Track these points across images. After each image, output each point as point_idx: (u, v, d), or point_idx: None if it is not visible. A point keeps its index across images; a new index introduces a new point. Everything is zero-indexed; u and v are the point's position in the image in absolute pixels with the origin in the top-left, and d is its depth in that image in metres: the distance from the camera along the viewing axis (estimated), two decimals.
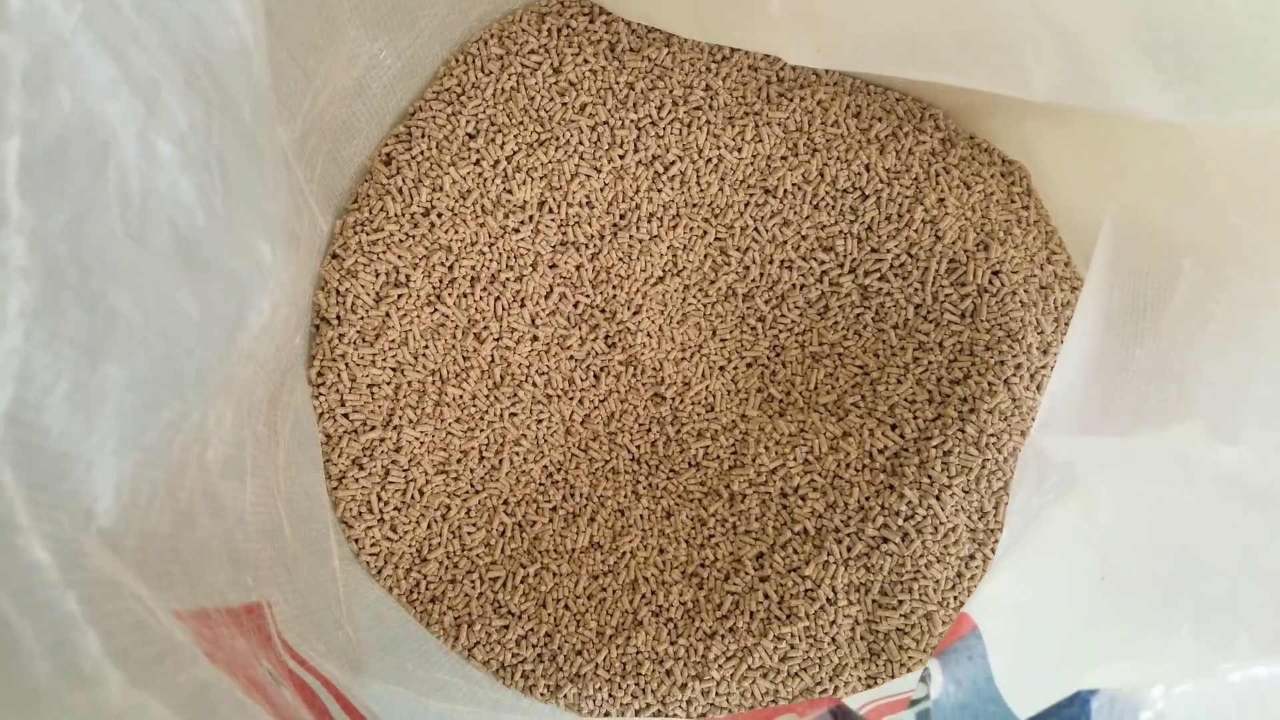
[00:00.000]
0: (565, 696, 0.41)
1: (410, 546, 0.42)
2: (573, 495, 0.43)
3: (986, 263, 0.41)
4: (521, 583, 0.42)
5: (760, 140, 0.43)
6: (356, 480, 0.41)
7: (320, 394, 0.41)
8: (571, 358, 0.43)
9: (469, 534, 0.42)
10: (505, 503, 0.43)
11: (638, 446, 0.43)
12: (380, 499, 0.42)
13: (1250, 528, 0.25)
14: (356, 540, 0.41)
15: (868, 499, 0.40)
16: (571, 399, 0.43)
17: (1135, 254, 0.36)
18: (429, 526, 0.42)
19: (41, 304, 0.12)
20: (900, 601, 0.40)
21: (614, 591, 0.41)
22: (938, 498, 0.40)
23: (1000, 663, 0.23)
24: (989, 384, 0.40)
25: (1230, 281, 0.32)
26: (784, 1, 0.32)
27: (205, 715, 0.12)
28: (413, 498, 0.42)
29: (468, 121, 0.42)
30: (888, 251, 0.42)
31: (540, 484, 0.43)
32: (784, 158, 0.43)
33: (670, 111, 0.43)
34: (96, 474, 0.13)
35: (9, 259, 0.11)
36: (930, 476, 0.40)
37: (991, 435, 0.40)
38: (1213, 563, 0.25)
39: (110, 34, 0.14)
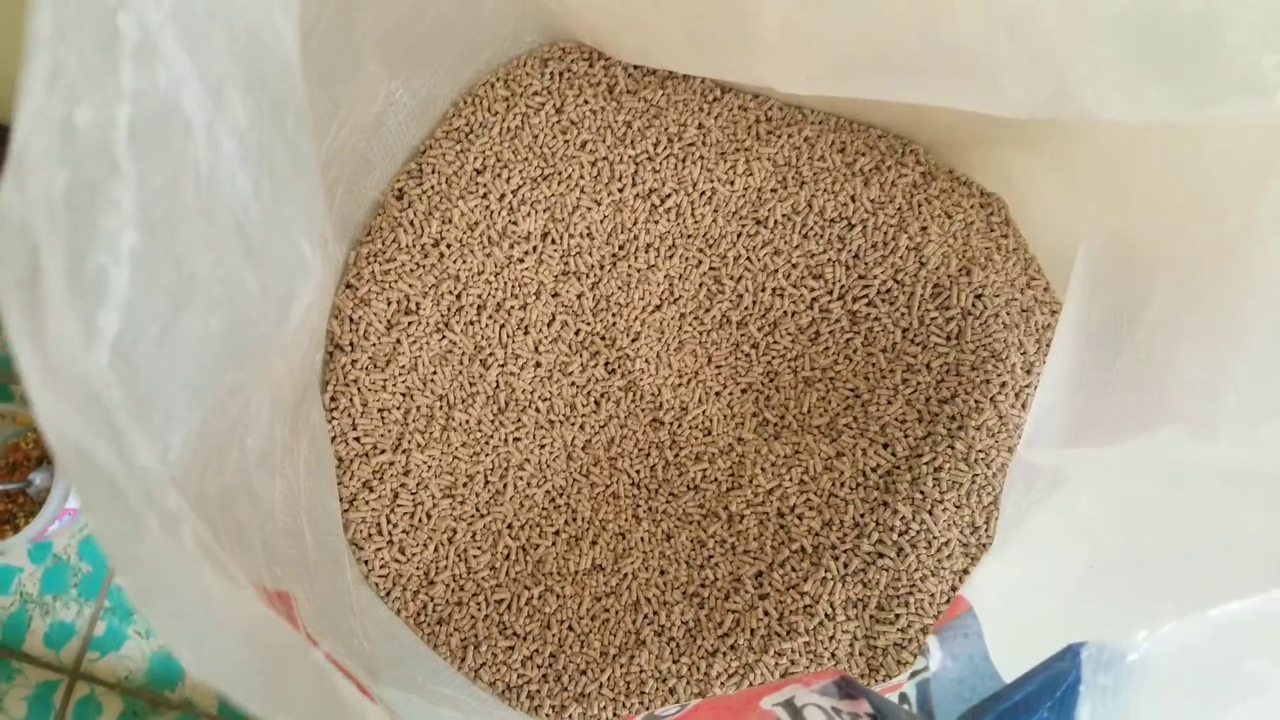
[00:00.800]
0: (570, 717, 0.41)
1: (418, 569, 0.43)
2: (575, 519, 0.44)
3: (969, 287, 0.43)
4: (526, 604, 0.43)
5: (751, 174, 0.45)
6: (367, 502, 0.42)
7: (333, 417, 0.42)
8: (573, 383, 0.45)
9: (475, 557, 0.43)
10: (510, 526, 0.43)
11: (637, 471, 0.44)
12: (389, 521, 0.43)
13: (1231, 520, 0.27)
14: (366, 562, 0.42)
15: (863, 516, 0.42)
16: (573, 424, 0.44)
17: (1111, 272, 0.38)
18: (436, 549, 0.43)
19: (144, 251, 0.13)
20: (897, 616, 0.41)
21: (617, 612, 0.42)
22: (930, 513, 0.41)
23: (995, 641, 0.24)
24: (975, 402, 0.42)
25: (1203, 291, 0.34)
26: (778, 27, 0.35)
27: (278, 627, 0.13)
28: (420, 520, 0.43)
29: (475, 158, 0.44)
30: (874, 278, 0.44)
31: (543, 508, 0.44)
32: (774, 190, 0.45)
33: (666, 148, 0.45)
34: (171, 423, 0.15)
35: (121, 206, 0.13)
36: (922, 492, 0.41)
37: (980, 451, 0.41)
38: (1197, 553, 0.26)
39: (188, 31, 0.15)
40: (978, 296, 0.43)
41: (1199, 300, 0.33)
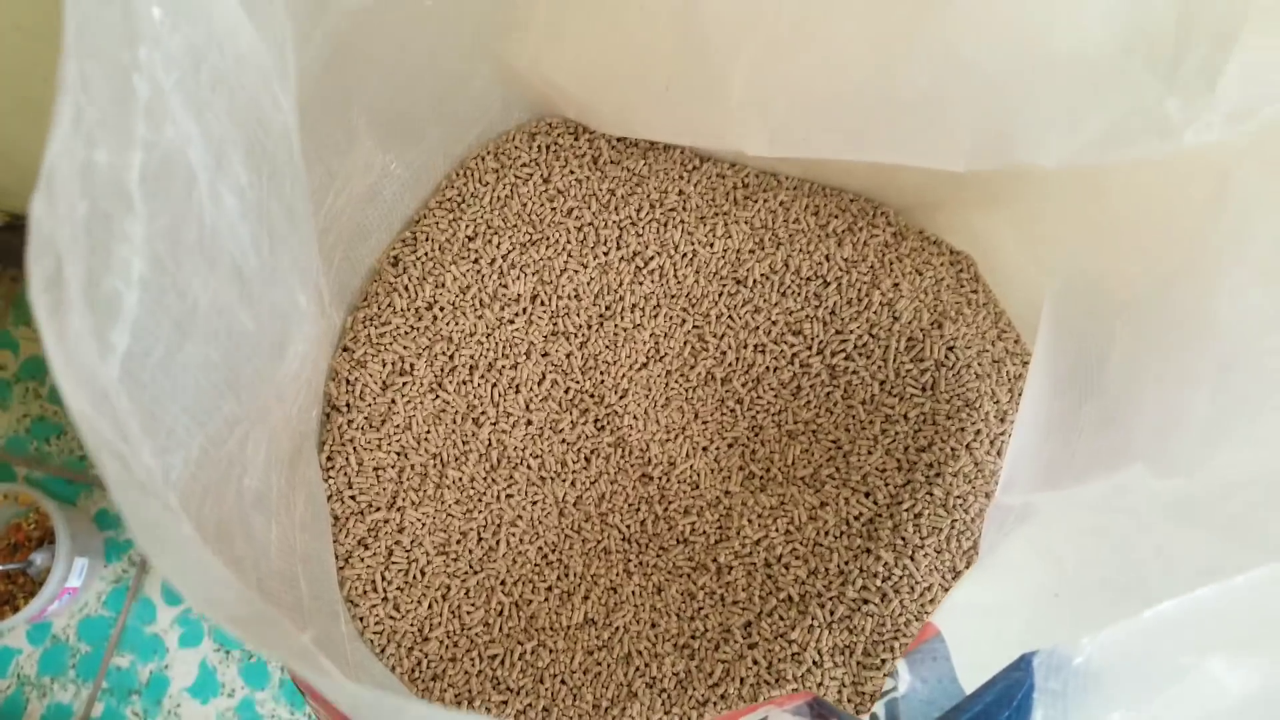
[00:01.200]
0: None
1: (412, 625, 0.43)
2: (567, 575, 0.45)
3: (941, 339, 0.45)
4: (519, 660, 0.43)
5: (730, 236, 0.47)
6: (362, 560, 0.43)
7: (330, 477, 0.44)
8: (564, 440, 0.46)
9: (468, 613, 0.44)
10: (503, 583, 0.44)
11: (628, 526, 0.45)
12: (384, 578, 0.43)
13: (1190, 547, 0.28)
14: (361, 618, 0.43)
15: (847, 563, 0.42)
16: (564, 481, 0.46)
17: (1075, 323, 0.40)
18: (430, 606, 0.43)
19: (152, 279, 0.15)
20: (883, 661, 0.41)
21: (609, 665, 0.43)
22: (912, 558, 0.42)
23: (963, 664, 0.25)
24: (952, 449, 0.43)
25: (1158, 330, 0.35)
26: (743, 90, 0.37)
27: (267, 610, 0.14)
28: (415, 577, 0.44)
29: (467, 226, 0.46)
30: (851, 333, 0.46)
31: (536, 564, 0.45)
32: (752, 251, 0.47)
33: (648, 213, 0.47)
34: (173, 443, 0.16)
35: (133, 238, 0.14)
36: (904, 538, 0.42)
37: (958, 497, 0.42)
38: (1150, 574, 0.27)
39: (193, 97, 0.17)
40: (950, 349, 0.45)
41: (1156, 340, 0.34)
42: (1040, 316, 0.41)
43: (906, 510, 0.43)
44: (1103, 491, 0.32)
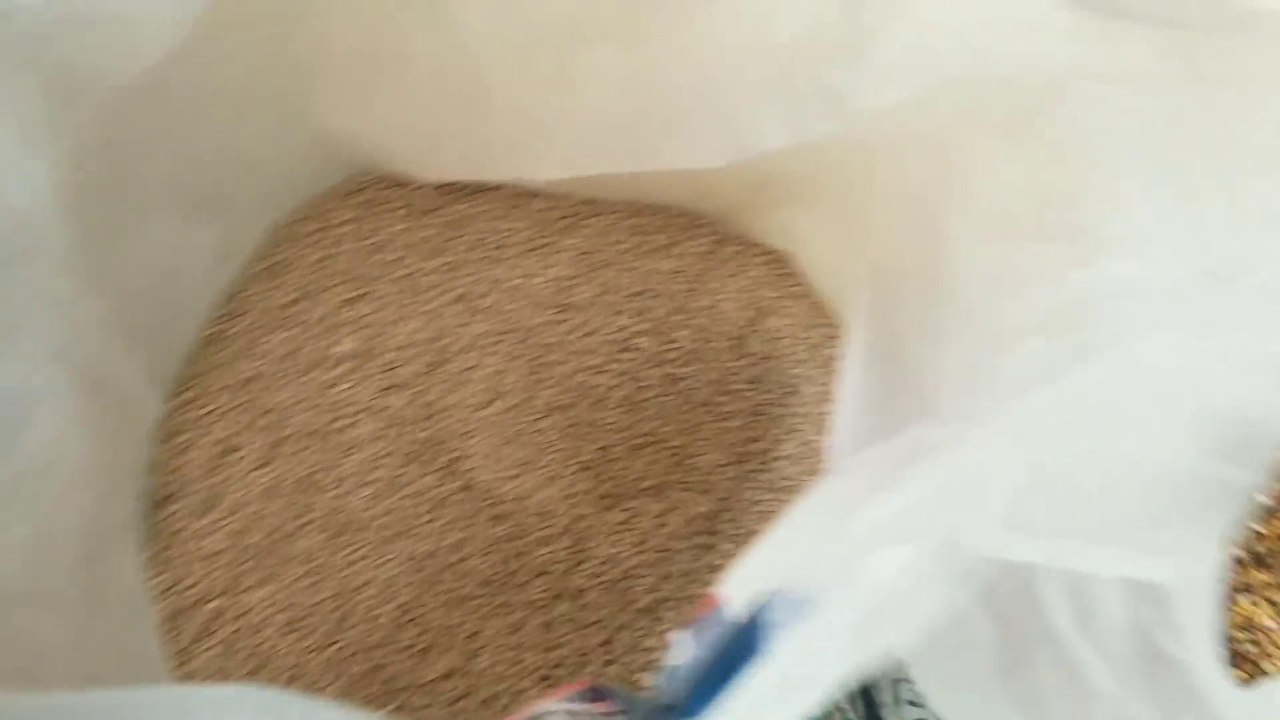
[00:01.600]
0: None
1: None
2: (425, 630, 0.43)
3: (764, 334, 0.46)
4: None
5: (557, 265, 0.48)
6: (206, 649, 0.41)
7: (162, 571, 0.42)
8: (409, 495, 0.45)
9: (324, 689, 0.42)
10: (354, 654, 0.42)
11: (485, 569, 0.44)
12: (229, 668, 0.41)
13: None
14: None
15: (692, 562, 0.42)
16: (413, 536, 0.44)
17: (879, 299, 0.42)
18: (282, 689, 0.42)
19: None
20: None
21: (471, 711, 0.41)
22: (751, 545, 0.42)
23: None
24: (779, 436, 0.44)
25: (940, 297, 0.37)
26: (505, 124, 0.38)
27: None
28: (263, 662, 0.42)
29: (287, 293, 0.46)
30: (680, 340, 0.46)
31: (395, 624, 0.43)
32: (579, 275, 0.48)
33: (474, 253, 0.48)
34: None
35: None
36: (743, 528, 0.42)
37: (786, 479, 0.43)
38: None
39: None
40: (773, 340, 0.46)
41: (928, 316, 0.36)
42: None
43: (743, 500, 0.43)
44: (896, 447, 0.33)
